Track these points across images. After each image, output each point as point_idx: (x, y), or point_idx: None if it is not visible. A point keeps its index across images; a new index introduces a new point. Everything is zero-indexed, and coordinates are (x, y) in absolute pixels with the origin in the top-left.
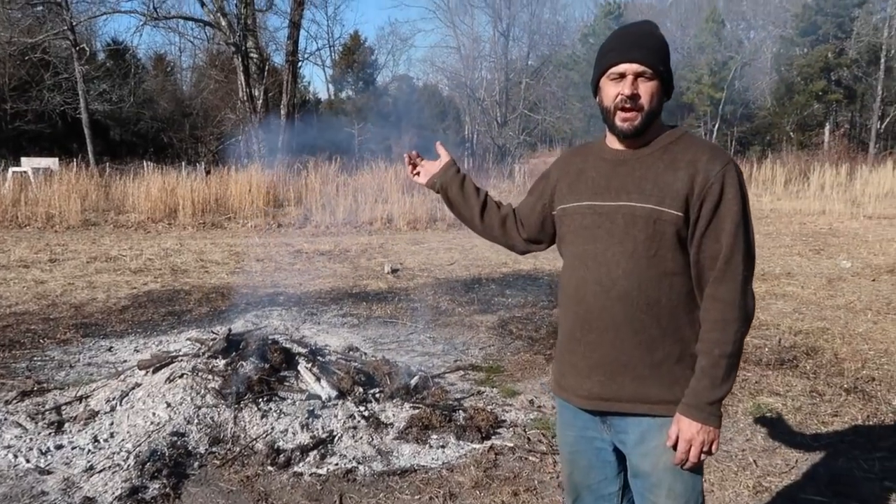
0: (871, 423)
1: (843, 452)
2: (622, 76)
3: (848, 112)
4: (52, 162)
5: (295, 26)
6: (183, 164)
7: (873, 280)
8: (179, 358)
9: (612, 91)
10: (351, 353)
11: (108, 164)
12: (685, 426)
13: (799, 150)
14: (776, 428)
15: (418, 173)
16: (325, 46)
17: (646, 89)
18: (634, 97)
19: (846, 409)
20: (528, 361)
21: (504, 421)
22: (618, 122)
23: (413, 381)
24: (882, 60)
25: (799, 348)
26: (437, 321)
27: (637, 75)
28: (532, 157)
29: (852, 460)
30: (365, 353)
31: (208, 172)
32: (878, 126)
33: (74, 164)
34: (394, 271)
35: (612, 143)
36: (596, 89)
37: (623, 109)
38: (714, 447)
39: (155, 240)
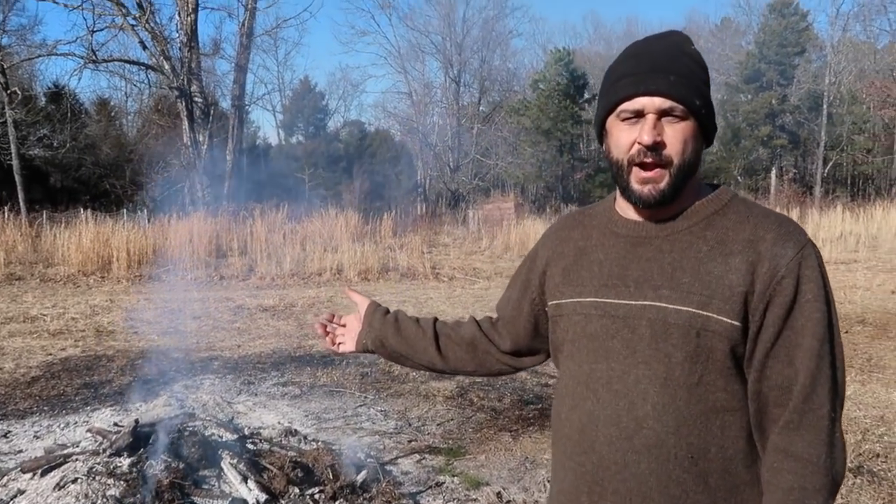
0: None
1: None
2: (639, 115)
3: (792, 157)
4: None
5: (241, 70)
6: (124, 211)
7: (846, 332)
8: (74, 457)
9: (625, 138)
10: (288, 437)
11: (44, 212)
12: None
13: (748, 193)
14: None
15: (340, 342)
16: (273, 91)
17: (675, 135)
18: (658, 147)
19: (857, 495)
20: (491, 439)
21: None
22: (634, 185)
23: (360, 477)
24: (824, 107)
25: None
26: (389, 390)
27: (661, 114)
28: (486, 203)
29: None
30: (304, 438)
31: (150, 220)
32: (823, 170)
33: (3, 212)
34: None
35: (627, 210)
36: (601, 132)
37: (642, 165)
38: None
39: (84, 295)
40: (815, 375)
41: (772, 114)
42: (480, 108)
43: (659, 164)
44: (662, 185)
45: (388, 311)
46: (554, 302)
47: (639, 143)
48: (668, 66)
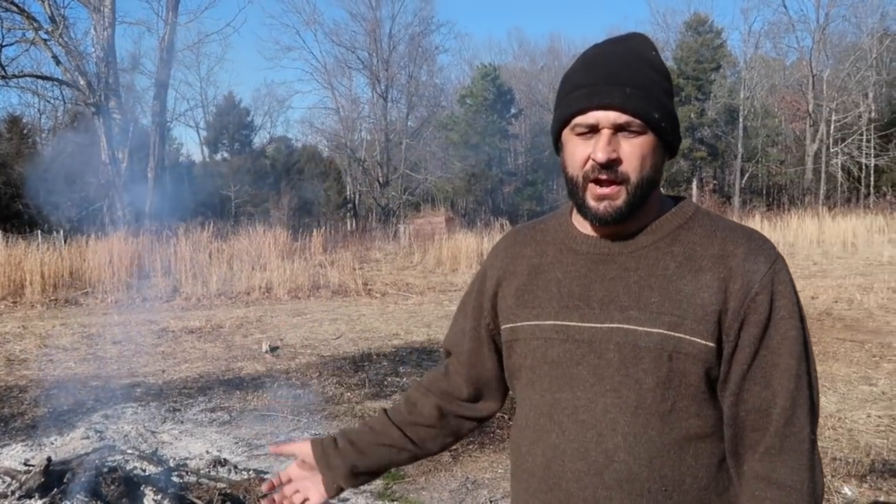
0: None
1: None
2: (594, 130)
3: (711, 168)
4: None
5: (162, 86)
6: (38, 232)
7: None
8: None
9: (579, 153)
10: (217, 467)
11: None
12: None
13: None
14: None
15: (306, 499)
16: (196, 107)
17: (632, 150)
18: (613, 164)
19: None
20: (431, 460)
21: None
22: (590, 202)
23: None
24: (740, 121)
25: None
26: (324, 412)
27: (617, 128)
28: (417, 217)
29: None
30: (234, 467)
31: (66, 241)
32: (741, 181)
33: None
34: (272, 349)
35: (585, 224)
36: (557, 143)
37: (597, 182)
38: None
39: None
40: (795, 397)
41: (691, 127)
42: (409, 123)
43: (615, 182)
44: (619, 202)
45: (335, 441)
46: (508, 325)
47: (593, 159)
48: (624, 76)
